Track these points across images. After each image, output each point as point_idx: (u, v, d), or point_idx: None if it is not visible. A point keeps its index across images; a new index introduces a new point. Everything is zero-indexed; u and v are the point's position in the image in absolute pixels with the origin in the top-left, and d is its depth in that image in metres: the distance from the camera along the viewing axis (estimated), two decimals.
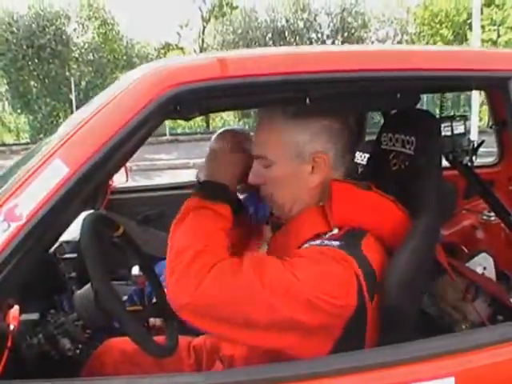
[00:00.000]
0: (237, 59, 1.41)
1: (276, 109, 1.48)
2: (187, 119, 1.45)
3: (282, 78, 1.33)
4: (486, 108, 14.49)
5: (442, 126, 1.88)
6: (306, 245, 1.40)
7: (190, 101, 1.30)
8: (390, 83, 1.48)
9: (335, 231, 1.42)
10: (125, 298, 2.32)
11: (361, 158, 2.66)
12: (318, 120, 1.49)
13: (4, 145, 18.50)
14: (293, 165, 1.49)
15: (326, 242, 1.38)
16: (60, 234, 1.35)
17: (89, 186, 1.26)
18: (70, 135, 1.27)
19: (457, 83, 1.63)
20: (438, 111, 2.49)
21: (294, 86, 1.37)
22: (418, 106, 1.78)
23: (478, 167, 2.52)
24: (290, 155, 1.49)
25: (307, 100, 1.35)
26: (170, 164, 13.57)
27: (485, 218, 2.65)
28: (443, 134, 1.90)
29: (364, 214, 1.47)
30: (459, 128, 2.05)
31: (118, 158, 1.27)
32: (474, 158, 2.28)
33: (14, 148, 17.17)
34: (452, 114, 2.29)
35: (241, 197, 2.69)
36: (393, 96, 1.49)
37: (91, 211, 1.78)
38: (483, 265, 2.16)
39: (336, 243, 1.36)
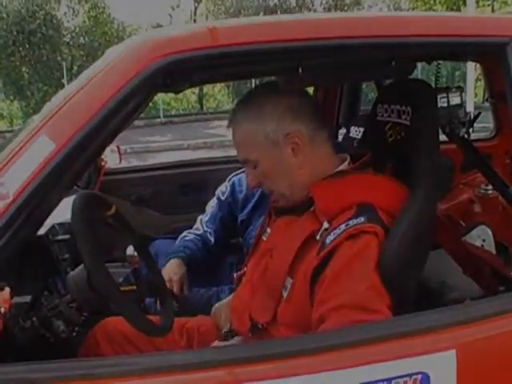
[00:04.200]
0: (228, 27, 1.38)
1: (237, 112, 1.57)
2: (177, 92, 1.42)
3: (275, 46, 1.29)
4: (480, 84, 14.47)
5: (438, 97, 1.85)
6: (332, 236, 1.40)
7: (178, 72, 1.26)
8: (384, 51, 1.44)
9: (326, 225, 1.45)
10: (121, 279, 2.30)
11: (356, 132, 2.63)
12: (276, 104, 1.53)
13: None
14: (274, 155, 1.54)
15: (350, 222, 1.40)
16: (49, 213, 1.31)
17: (77, 162, 1.23)
18: (56, 110, 1.24)
19: (453, 50, 1.59)
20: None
21: (287, 54, 1.33)
22: None
23: (474, 141, 2.50)
24: (267, 148, 1.54)
25: (300, 69, 1.32)
26: (165, 146, 13.54)
27: (482, 191, 2.63)
28: (439, 105, 1.87)
29: (359, 194, 1.48)
30: (455, 99, 2.02)
31: (107, 132, 1.24)
32: (470, 130, 2.26)
33: (8, 135, 17.08)
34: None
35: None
36: (387, 64, 1.46)
37: (83, 191, 1.75)
38: (482, 237, 2.14)
39: (362, 219, 1.40)
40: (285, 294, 1.48)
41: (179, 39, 1.28)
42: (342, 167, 1.58)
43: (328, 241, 1.39)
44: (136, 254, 1.90)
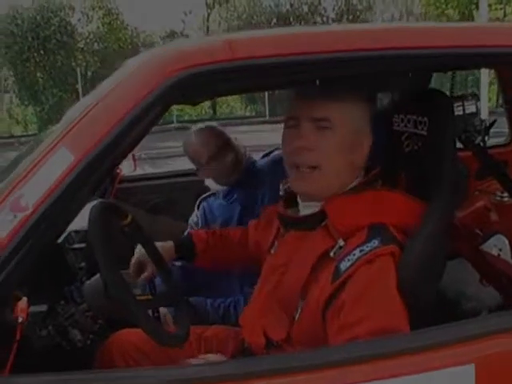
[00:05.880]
0: (245, 40, 1.37)
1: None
2: (195, 104, 1.42)
3: (292, 59, 1.29)
4: (493, 88, 14.39)
5: (454, 105, 1.84)
6: (346, 262, 1.37)
7: (196, 85, 1.26)
8: (402, 62, 1.43)
9: (341, 243, 1.42)
10: (138, 290, 2.30)
11: None
12: (370, 107, 1.52)
13: (12, 136, 18.59)
14: (349, 137, 1.48)
15: (365, 247, 1.37)
16: (68, 224, 1.31)
17: (95, 174, 1.23)
18: (75, 123, 1.25)
19: (470, 60, 1.58)
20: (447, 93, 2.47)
21: (303, 67, 1.32)
22: None
23: (490, 147, 2.48)
24: (351, 126, 1.48)
25: (317, 82, 1.32)
26: (178, 151, 13.48)
27: (498, 198, 2.62)
28: (455, 113, 1.86)
29: (371, 213, 1.45)
30: (471, 107, 2.01)
31: (125, 144, 1.24)
32: (486, 137, 2.25)
33: (23, 139, 17.23)
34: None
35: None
36: (405, 75, 1.46)
37: (99, 200, 1.76)
38: (498, 246, 2.12)
39: (376, 242, 1.37)
40: (296, 316, 1.45)
41: (197, 52, 1.27)
42: (354, 183, 1.54)
43: (343, 267, 1.36)
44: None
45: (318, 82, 1.33)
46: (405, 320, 1.31)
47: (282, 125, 1.55)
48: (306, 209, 1.56)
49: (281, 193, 1.72)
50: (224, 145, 2.54)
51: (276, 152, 2.69)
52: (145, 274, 1.87)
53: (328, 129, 1.46)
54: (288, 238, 1.60)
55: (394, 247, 1.38)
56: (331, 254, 1.42)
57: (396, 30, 1.56)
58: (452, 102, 1.73)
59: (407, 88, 1.72)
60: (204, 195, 2.77)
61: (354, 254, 1.36)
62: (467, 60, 1.56)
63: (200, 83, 1.26)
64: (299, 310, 1.44)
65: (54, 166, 1.21)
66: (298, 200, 1.60)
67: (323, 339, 1.38)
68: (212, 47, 1.29)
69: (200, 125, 2.67)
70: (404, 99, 1.76)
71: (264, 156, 2.79)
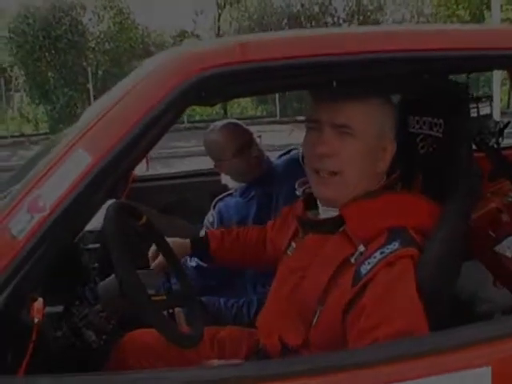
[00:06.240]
0: (263, 42, 1.37)
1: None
2: (211, 105, 1.42)
3: (312, 61, 1.28)
4: (505, 89, 14.32)
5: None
6: (367, 265, 1.36)
7: (214, 86, 1.26)
8: (417, 64, 1.42)
9: (362, 249, 1.41)
10: (152, 290, 2.31)
11: None
12: (393, 111, 1.52)
13: (23, 135, 18.69)
14: (372, 143, 1.47)
15: (385, 249, 1.37)
16: (84, 225, 1.32)
17: (113, 176, 1.23)
18: (92, 124, 1.25)
19: (485, 62, 1.58)
20: None
21: (322, 68, 1.32)
22: None
23: (504, 148, 2.47)
24: (373, 132, 1.47)
25: (334, 83, 1.32)
26: (189, 151, 13.58)
27: (510, 200, 2.61)
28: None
29: (391, 216, 1.45)
30: (485, 109, 2.00)
31: (142, 146, 1.24)
32: (500, 139, 2.24)
33: (33, 138, 17.33)
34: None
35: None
36: (421, 78, 1.45)
37: (114, 200, 1.77)
38: None
39: (396, 244, 1.37)
40: (314, 321, 1.44)
41: (214, 54, 1.27)
42: (375, 187, 1.52)
43: (364, 271, 1.35)
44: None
45: (334, 83, 1.32)
46: (424, 323, 1.30)
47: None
48: (326, 212, 1.55)
49: (297, 193, 1.70)
50: (249, 141, 2.56)
51: (293, 151, 2.70)
52: (159, 259, 1.90)
53: (349, 135, 1.44)
54: (307, 240, 1.59)
55: (414, 250, 1.37)
56: (352, 260, 1.41)
57: (409, 32, 1.56)
58: (468, 104, 1.73)
59: (423, 90, 1.72)
60: (220, 196, 2.76)
61: (375, 257, 1.36)
62: (480, 62, 1.55)
63: (218, 85, 1.26)
64: (317, 315, 1.44)
65: (71, 167, 1.21)
66: (318, 203, 1.59)
67: (341, 344, 1.38)
68: (230, 49, 1.29)
69: (223, 121, 2.68)
70: (419, 101, 1.75)
71: (281, 156, 2.79)
